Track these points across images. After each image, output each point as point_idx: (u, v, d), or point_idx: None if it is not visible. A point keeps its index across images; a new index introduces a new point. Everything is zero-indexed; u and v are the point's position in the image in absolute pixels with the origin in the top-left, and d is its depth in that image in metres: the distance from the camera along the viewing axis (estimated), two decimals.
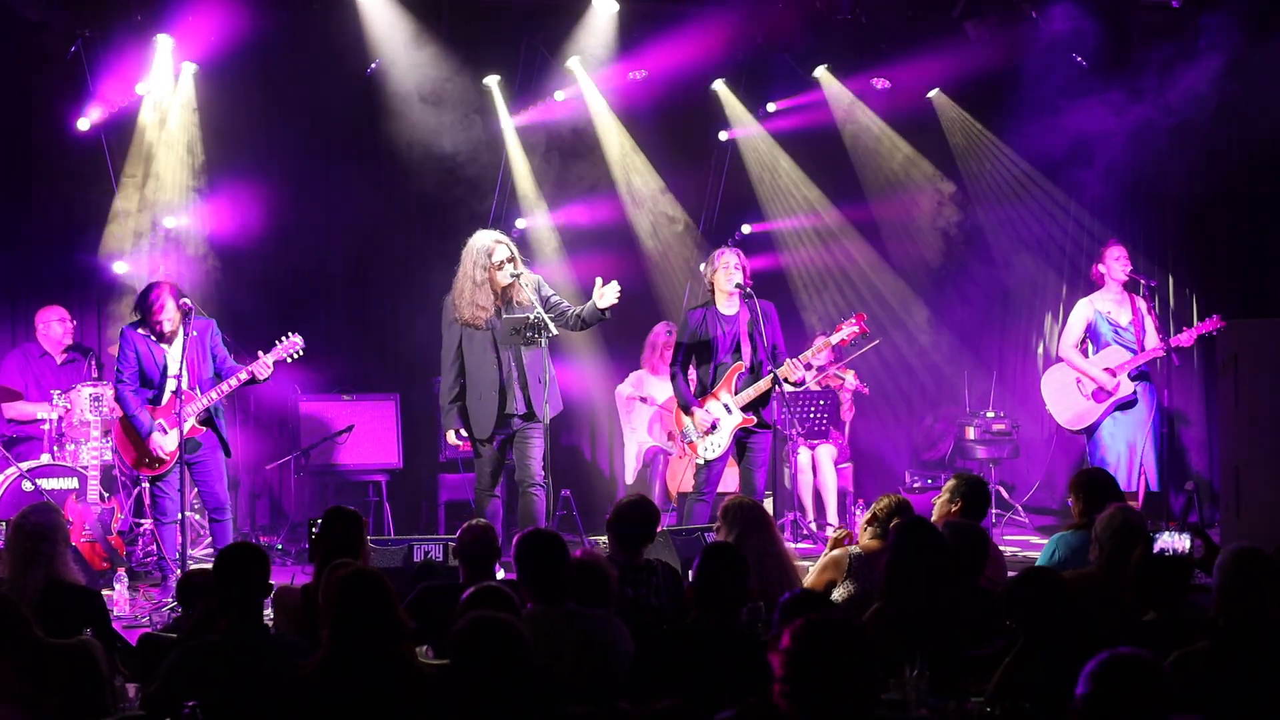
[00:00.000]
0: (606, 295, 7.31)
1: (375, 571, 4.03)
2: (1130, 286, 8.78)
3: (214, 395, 7.55)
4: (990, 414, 10.19)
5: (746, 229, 11.04)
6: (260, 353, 7.66)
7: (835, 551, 5.58)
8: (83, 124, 9.14)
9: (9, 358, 8.90)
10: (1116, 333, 8.76)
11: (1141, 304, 8.77)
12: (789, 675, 3.14)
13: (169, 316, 7.48)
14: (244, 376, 7.58)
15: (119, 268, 9.37)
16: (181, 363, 7.45)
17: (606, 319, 7.51)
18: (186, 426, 7.42)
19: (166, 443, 7.50)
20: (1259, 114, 9.61)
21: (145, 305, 7.50)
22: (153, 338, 7.52)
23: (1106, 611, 4.54)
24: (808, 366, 8.17)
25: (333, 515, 5.27)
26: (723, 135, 10.91)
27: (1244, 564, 4.11)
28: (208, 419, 7.60)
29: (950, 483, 5.91)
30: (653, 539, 5.57)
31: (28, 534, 5.10)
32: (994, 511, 9.61)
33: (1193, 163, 10.05)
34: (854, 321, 8.02)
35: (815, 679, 3.11)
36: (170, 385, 7.54)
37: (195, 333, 7.51)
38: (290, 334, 7.72)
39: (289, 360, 7.77)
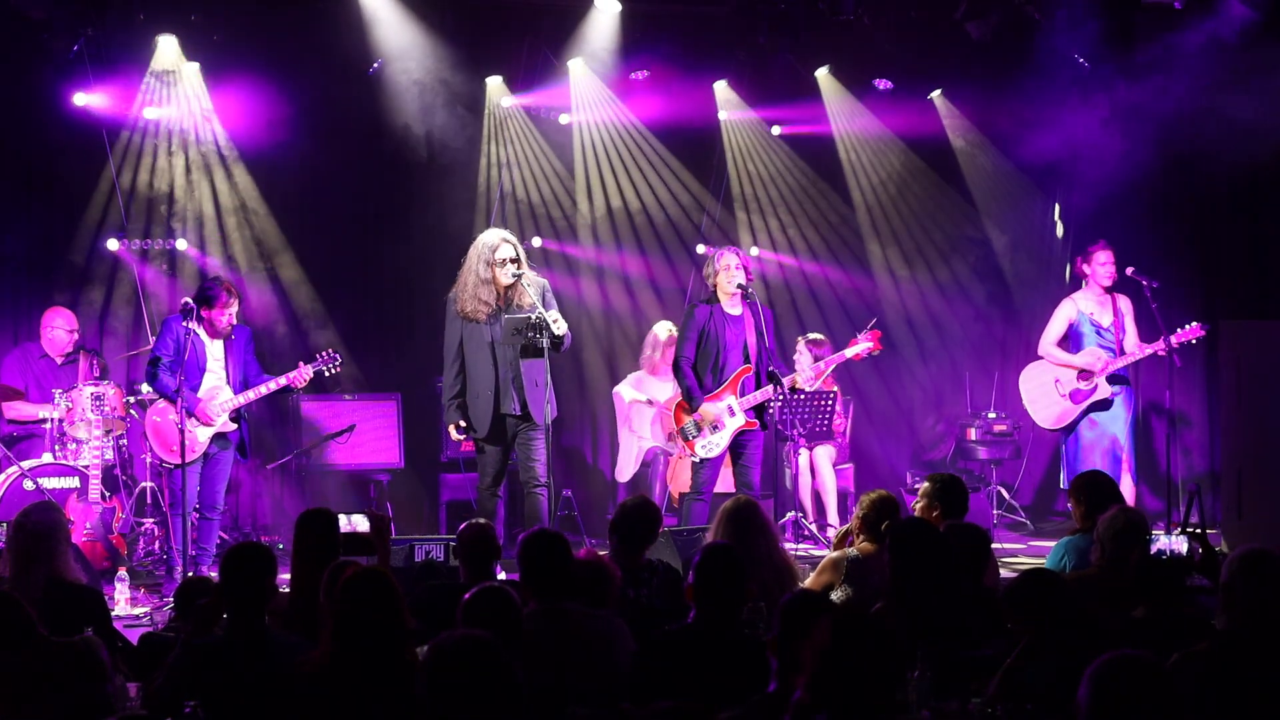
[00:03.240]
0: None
1: (384, 572, 4.02)
2: (1130, 288, 8.76)
3: (250, 395, 7.80)
4: (992, 415, 10.18)
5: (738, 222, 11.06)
6: (301, 363, 7.98)
7: (833, 554, 5.57)
8: (108, 142, 9.26)
9: (9, 357, 8.88)
10: (1098, 333, 8.76)
11: (1124, 306, 8.76)
12: (820, 669, 3.15)
13: (230, 314, 7.71)
14: (282, 382, 7.88)
15: (112, 243, 9.40)
16: (225, 361, 7.75)
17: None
18: (220, 422, 7.70)
19: (200, 433, 7.66)
20: (1260, 115, 9.60)
21: (209, 299, 7.62)
22: (198, 333, 7.59)
23: (1108, 612, 4.53)
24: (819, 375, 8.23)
25: (305, 519, 5.20)
26: (722, 131, 10.91)
27: (1253, 565, 4.09)
28: (237, 418, 7.85)
29: (924, 486, 5.85)
30: (654, 540, 5.57)
31: (29, 533, 5.12)
32: (995, 512, 9.60)
33: (1194, 163, 10.04)
34: (868, 337, 8.11)
35: (847, 674, 3.13)
36: (208, 380, 7.73)
37: (234, 337, 7.80)
38: (330, 350, 8.08)
39: (326, 374, 8.09)
